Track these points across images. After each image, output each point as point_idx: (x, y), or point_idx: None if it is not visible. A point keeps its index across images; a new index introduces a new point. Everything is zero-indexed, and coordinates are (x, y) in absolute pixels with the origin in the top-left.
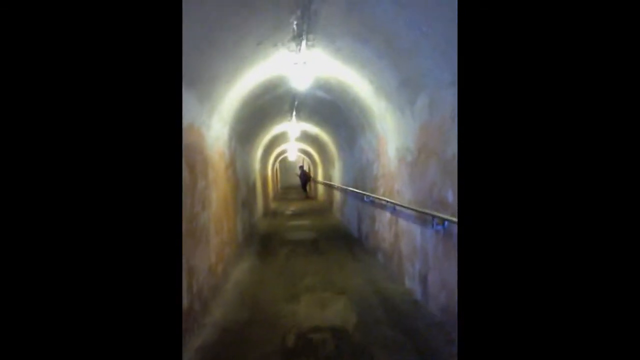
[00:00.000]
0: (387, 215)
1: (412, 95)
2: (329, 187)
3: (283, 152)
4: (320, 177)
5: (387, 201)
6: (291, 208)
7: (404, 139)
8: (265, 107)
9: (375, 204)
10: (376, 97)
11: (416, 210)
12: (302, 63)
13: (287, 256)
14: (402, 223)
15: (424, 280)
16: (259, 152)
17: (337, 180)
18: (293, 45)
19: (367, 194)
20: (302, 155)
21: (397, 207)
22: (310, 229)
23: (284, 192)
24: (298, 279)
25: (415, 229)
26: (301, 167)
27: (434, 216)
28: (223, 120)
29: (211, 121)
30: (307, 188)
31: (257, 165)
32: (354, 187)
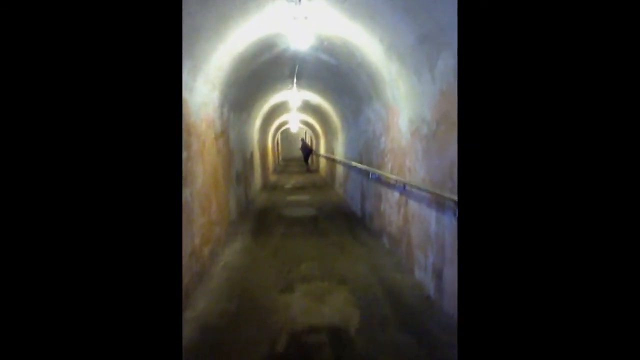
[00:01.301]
0: (396, 195)
1: (433, 55)
2: (332, 161)
3: (284, 123)
4: (322, 150)
5: (396, 179)
6: (291, 181)
7: (420, 108)
8: (262, 71)
9: (381, 181)
10: (387, 58)
11: (432, 192)
12: (303, 18)
13: (283, 236)
14: (414, 205)
15: (438, 274)
16: (257, 122)
17: (340, 154)
18: None
19: (373, 170)
20: (304, 127)
21: (408, 187)
22: (310, 205)
23: (285, 165)
24: (294, 264)
25: (429, 214)
26: (303, 140)
27: (455, 201)
28: (211, 84)
29: (195, 83)
30: (309, 161)
31: (255, 135)
32: (358, 162)
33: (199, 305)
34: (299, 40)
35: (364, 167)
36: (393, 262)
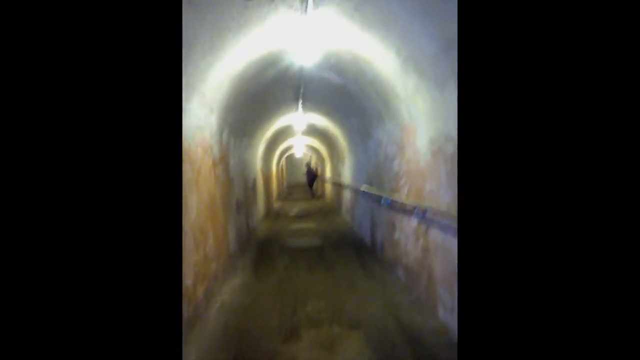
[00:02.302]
0: (413, 222)
1: None
2: (338, 186)
3: (288, 148)
4: (328, 175)
5: (414, 205)
6: (295, 209)
7: (443, 124)
8: (265, 93)
9: (395, 207)
10: (403, 72)
11: None
12: (309, 30)
13: (287, 269)
14: (436, 235)
15: None
16: (260, 148)
17: (347, 178)
18: (297, 2)
19: (385, 195)
20: (309, 152)
21: (429, 214)
22: (315, 234)
23: (289, 191)
24: (299, 303)
25: (455, 245)
26: (308, 164)
27: None
28: (208, 107)
29: (188, 104)
30: (314, 186)
31: (258, 161)
32: (367, 187)
33: None
34: (305, 55)
35: (374, 192)
36: (411, 299)
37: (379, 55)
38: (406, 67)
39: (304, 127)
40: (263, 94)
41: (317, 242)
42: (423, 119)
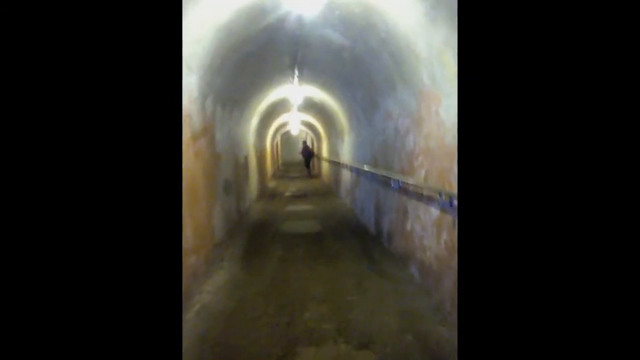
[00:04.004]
0: (433, 212)
1: None
2: (337, 165)
3: (284, 124)
4: (325, 154)
5: (435, 191)
6: (292, 188)
7: None
8: (258, 54)
9: (408, 192)
10: (429, 22)
11: None
12: None
13: (281, 261)
14: None
15: None
16: (253, 121)
17: (346, 157)
18: None
19: (396, 177)
20: (305, 129)
21: (457, 203)
22: (313, 217)
23: (285, 169)
24: (296, 308)
25: None
26: (304, 142)
27: None
28: (184, 63)
29: None
30: (310, 165)
31: (251, 137)
32: (372, 167)
33: None
34: (304, 2)
35: (380, 173)
36: (431, 305)
37: (397, 3)
38: (434, 15)
39: (300, 101)
40: (256, 57)
41: (315, 227)
42: (453, 83)
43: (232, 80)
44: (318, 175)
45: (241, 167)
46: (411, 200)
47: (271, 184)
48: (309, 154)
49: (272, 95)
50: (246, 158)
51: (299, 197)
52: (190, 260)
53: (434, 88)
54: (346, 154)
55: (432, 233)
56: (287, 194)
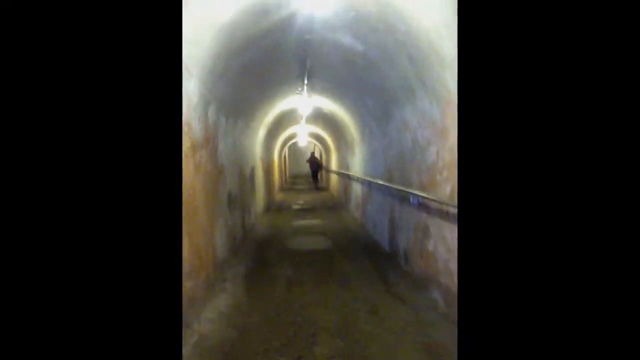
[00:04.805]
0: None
1: None
2: (346, 177)
3: (292, 136)
4: (334, 166)
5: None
6: (299, 201)
7: None
8: (264, 60)
9: (430, 209)
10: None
11: None
12: None
13: (289, 284)
14: None
15: None
16: (260, 133)
17: (357, 170)
18: None
19: (415, 192)
20: (313, 141)
21: None
22: (322, 233)
23: (293, 181)
24: (305, 343)
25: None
26: (312, 154)
27: None
28: (184, 66)
29: None
30: (318, 177)
31: (258, 148)
32: (386, 181)
33: None
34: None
35: (396, 187)
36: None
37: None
38: None
39: (309, 111)
40: (261, 64)
41: (324, 244)
42: None
43: (237, 88)
44: (326, 188)
45: (247, 180)
46: (434, 219)
47: (278, 196)
48: (316, 166)
49: (280, 106)
50: (253, 170)
51: (307, 210)
52: (186, 286)
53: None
54: (357, 167)
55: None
56: (295, 207)
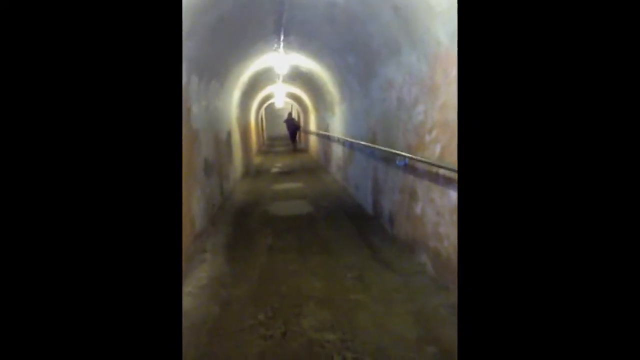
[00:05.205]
0: (452, 196)
1: None
2: (326, 139)
3: (269, 96)
4: (312, 127)
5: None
6: (278, 164)
7: None
8: (237, 15)
9: (417, 171)
10: None
11: None
12: None
13: (271, 252)
14: None
15: None
16: (235, 94)
17: (338, 131)
18: None
19: (402, 153)
20: (291, 102)
21: None
22: (303, 197)
23: (270, 144)
24: (290, 314)
25: None
26: (289, 114)
27: None
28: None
29: None
30: (296, 139)
31: (233, 111)
32: (369, 142)
33: None
34: None
35: (381, 148)
36: (449, 303)
37: None
38: None
39: (286, 70)
40: (234, 18)
41: (306, 208)
42: None
43: (208, 46)
44: (305, 150)
45: (223, 145)
46: (422, 181)
47: (257, 160)
48: (294, 127)
49: (256, 65)
50: (229, 134)
51: (286, 173)
52: None
53: (454, 48)
54: (337, 128)
55: (450, 220)
56: (274, 170)
